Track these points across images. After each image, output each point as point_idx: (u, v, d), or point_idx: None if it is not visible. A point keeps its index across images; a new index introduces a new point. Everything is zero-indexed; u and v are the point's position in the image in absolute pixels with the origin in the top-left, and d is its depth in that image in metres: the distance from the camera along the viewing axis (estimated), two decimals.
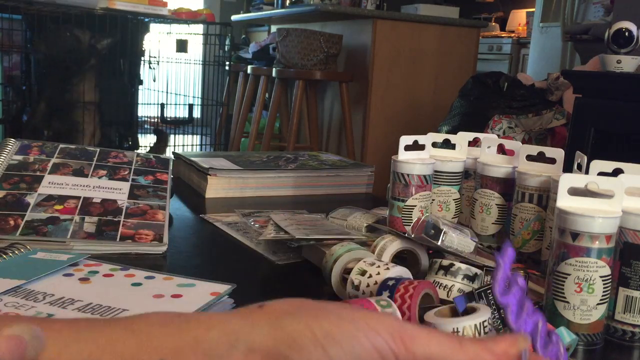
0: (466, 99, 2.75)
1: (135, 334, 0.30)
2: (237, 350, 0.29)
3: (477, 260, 0.68)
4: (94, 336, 0.30)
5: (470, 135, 0.87)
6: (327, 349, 0.29)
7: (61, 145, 0.92)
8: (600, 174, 0.63)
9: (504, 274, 0.37)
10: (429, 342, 0.30)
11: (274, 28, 4.18)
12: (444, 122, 2.80)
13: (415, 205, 0.79)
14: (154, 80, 2.83)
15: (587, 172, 0.67)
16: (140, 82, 2.79)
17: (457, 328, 0.49)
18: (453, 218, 0.85)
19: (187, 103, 2.95)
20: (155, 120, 2.98)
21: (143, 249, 0.75)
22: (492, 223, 0.80)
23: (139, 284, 0.61)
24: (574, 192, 0.58)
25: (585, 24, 3.86)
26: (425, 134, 0.83)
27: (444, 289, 0.60)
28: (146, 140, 2.91)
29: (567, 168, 0.72)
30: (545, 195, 0.73)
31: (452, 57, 3.37)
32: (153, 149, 2.72)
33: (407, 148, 0.80)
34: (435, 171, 0.82)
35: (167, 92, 2.92)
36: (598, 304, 0.56)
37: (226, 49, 2.96)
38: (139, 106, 2.89)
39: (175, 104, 2.96)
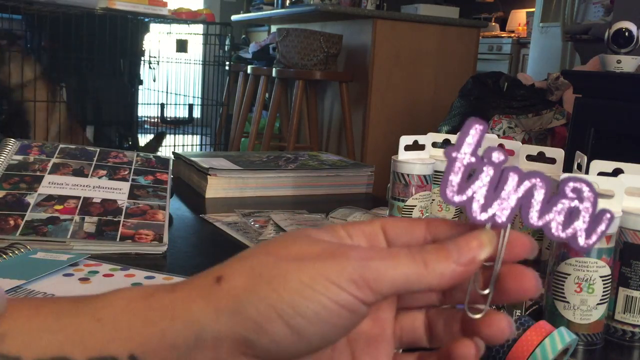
0: (466, 99, 2.75)
1: (103, 325, 0.30)
2: (204, 341, 0.29)
3: None
4: (63, 326, 0.30)
5: None
6: (293, 326, 0.29)
7: (61, 145, 0.92)
8: (600, 174, 0.63)
9: (466, 162, 0.30)
10: (394, 275, 0.29)
11: (274, 28, 4.18)
12: (444, 122, 2.80)
13: (415, 205, 0.79)
14: (154, 80, 2.83)
15: (587, 172, 0.67)
16: (140, 82, 2.79)
17: None
18: (453, 218, 0.85)
19: (187, 103, 2.95)
20: (156, 120, 2.98)
21: (143, 249, 0.75)
22: None
23: (139, 284, 0.60)
24: None
25: (585, 24, 3.86)
26: (425, 134, 0.83)
27: None
28: (146, 140, 2.91)
29: (567, 168, 0.72)
30: None
31: (452, 57, 3.37)
32: (147, 146, 2.70)
33: (407, 148, 0.80)
34: (435, 171, 0.82)
35: (167, 92, 2.92)
36: (598, 304, 0.56)
37: (226, 49, 2.96)
38: (139, 106, 2.89)
39: (175, 104, 2.96)
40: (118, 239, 0.74)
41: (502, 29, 5.72)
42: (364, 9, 3.61)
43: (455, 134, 0.88)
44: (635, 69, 1.94)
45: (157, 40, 2.82)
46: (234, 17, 4.43)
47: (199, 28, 2.91)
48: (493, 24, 5.73)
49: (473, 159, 0.31)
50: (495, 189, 0.30)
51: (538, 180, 0.30)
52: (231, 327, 0.29)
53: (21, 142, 0.90)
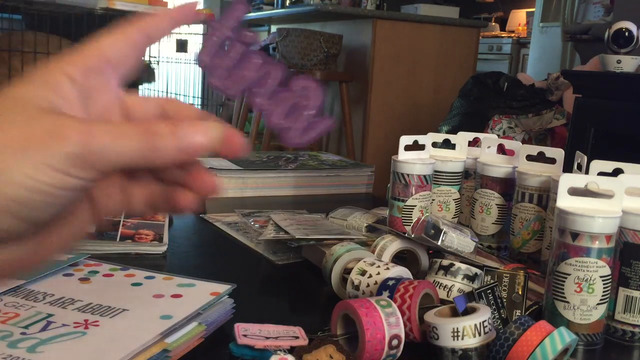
0: (466, 99, 2.75)
1: None
2: None
3: (477, 260, 0.68)
4: None
5: (470, 135, 0.87)
6: (24, 218, 0.28)
7: None
8: (600, 174, 0.63)
9: (224, 33, 0.33)
10: (119, 151, 0.29)
11: (274, 28, 4.18)
12: (444, 122, 2.80)
13: (415, 205, 0.79)
14: (154, 81, 2.83)
15: (587, 172, 0.67)
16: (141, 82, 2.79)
17: (457, 328, 0.49)
18: (453, 218, 0.85)
19: (187, 103, 2.95)
20: None
21: (143, 249, 0.75)
22: (492, 223, 0.80)
23: (139, 284, 0.61)
24: (574, 192, 0.58)
25: (585, 24, 3.86)
26: (425, 134, 0.83)
27: (444, 289, 0.60)
28: None
29: (567, 168, 0.72)
30: (545, 195, 0.73)
31: (452, 57, 3.37)
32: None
33: (407, 148, 0.80)
34: (435, 171, 0.82)
35: (167, 92, 2.92)
36: (598, 304, 0.56)
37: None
38: None
39: None
40: (118, 239, 0.75)
41: (502, 29, 5.72)
42: (364, 9, 3.61)
43: (456, 133, 0.88)
44: (635, 69, 1.95)
45: None
46: None
47: (199, 28, 2.91)
48: (493, 24, 5.73)
49: (230, 33, 0.33)
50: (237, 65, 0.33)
51: (273, 68, 0.32)
52: None
53: None
